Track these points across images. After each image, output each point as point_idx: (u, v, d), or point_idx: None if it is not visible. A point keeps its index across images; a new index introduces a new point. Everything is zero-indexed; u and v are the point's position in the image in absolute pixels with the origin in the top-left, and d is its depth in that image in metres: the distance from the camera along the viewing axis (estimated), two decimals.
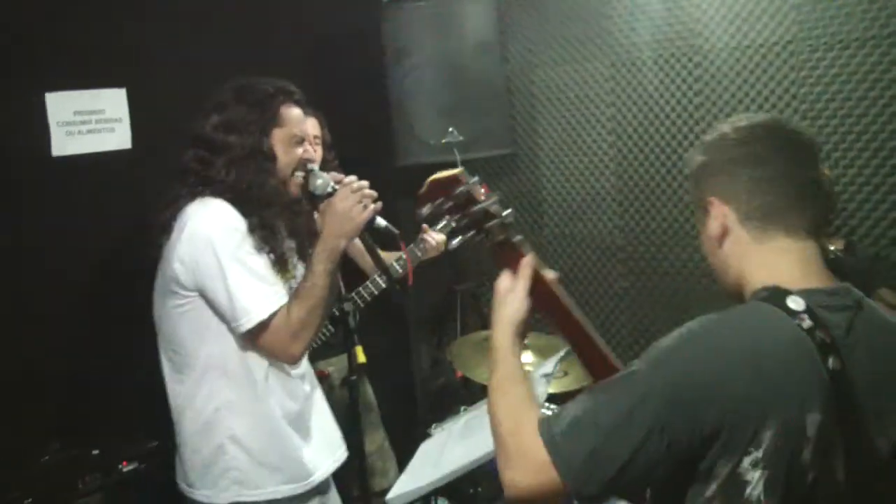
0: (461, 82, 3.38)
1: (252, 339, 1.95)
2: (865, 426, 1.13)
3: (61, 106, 2.58)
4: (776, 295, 1.16)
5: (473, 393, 3.24)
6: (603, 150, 3.47)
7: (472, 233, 1.37)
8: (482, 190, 1.38)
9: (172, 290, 1.97)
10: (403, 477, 1.99)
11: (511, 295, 1.35)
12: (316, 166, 2.08)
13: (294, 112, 2.07)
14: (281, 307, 1.94)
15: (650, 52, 3.27)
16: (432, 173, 1.39)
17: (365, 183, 1.99)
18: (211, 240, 1.90)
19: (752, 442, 1.08)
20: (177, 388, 2.05)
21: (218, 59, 2.74)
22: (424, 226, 2.89)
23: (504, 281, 1.37)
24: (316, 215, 2.15)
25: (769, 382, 1.09)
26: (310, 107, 2.21)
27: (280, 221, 2.03)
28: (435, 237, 2.87)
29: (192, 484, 2.05)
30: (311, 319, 1.94)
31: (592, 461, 1.10)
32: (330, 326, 2.72)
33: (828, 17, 2.84)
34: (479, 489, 2.87)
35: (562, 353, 2.35)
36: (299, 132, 2.07)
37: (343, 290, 2.61)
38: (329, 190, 2.00)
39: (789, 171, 1.21)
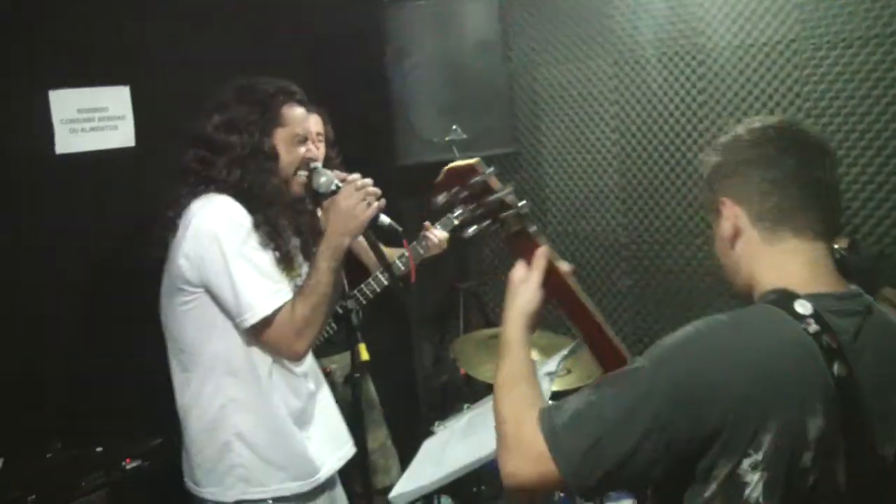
0: (462, 81, 3.37)
1: (256, 335, 1.95)
2: (870, 430, 1.13)
3: (65, 103, 2.58)
4: (784, 298, 1.16)
5: (476, 391, 3.23)
6: (606, 149, 3.47)
7: (487, 222, 1.35)
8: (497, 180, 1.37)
9: (178, 286, 1.97)
10: (406, 476, 1.99)
11: (524, 285, 1.34)
12: (320, 164, 2.08)
13: (296, 111, 2.07)
14: (285, 303, 1.94)
15: (653, 50, 3.26)
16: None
17: (369, 181, 1.99)
18: (216, 235, 1.90)
19: (751, 443, 1.08)
20: (183, 388, 2.05)
21: (219, 58, 2.75)
22: (427, 223, 2.89)
23: (518, 271, 1.35)
24: (320, 213, 2.15)
25: (770, 384, 1.09)
26: (312, 104, 2.21)
27: (284, 220, 2.03)
28: (437, 235, 2.87)
29: (199, 482, 2.05)
30: (315, 317, 1.95)
31: (592, 455, 1.10)
32: (333, 324, 2.71)
33: (831, 15, 2.83)
34: (483, 487, 2.87)
35: (565, 352, 2.34)
36: (302, 131, 2.07)
37: (346, 287, 2.61)
38: (333, 188, 2.00)
39: (797, 173, 1.21)
